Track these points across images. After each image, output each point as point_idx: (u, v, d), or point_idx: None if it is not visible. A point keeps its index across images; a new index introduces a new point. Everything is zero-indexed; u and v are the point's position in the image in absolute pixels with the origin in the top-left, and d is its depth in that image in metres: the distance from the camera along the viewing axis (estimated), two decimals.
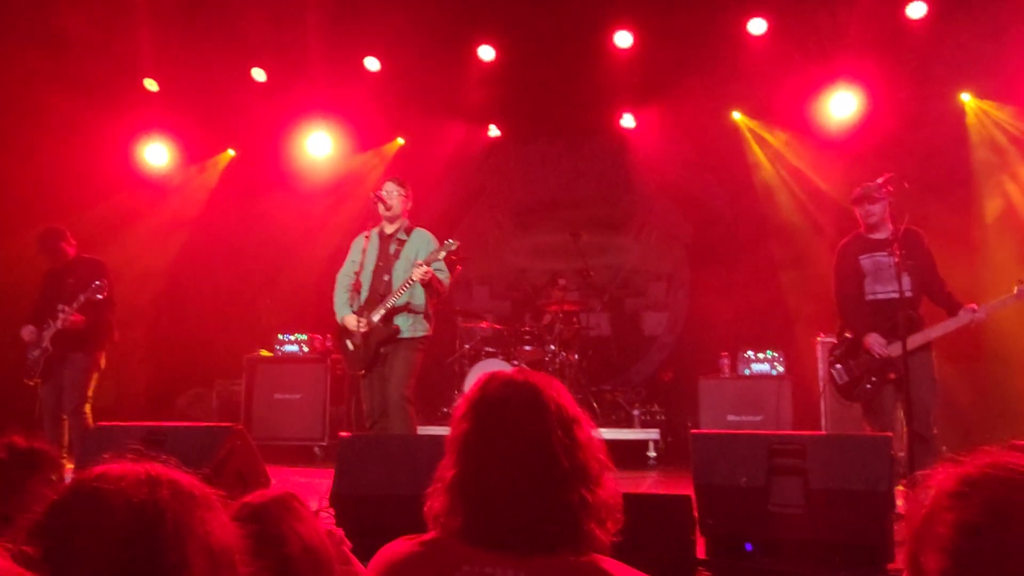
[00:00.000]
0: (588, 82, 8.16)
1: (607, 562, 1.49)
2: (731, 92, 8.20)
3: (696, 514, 3.55)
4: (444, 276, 5.41)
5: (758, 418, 7.20)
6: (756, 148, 8.54)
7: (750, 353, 7.51)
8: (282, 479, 5.83)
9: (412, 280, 5.23)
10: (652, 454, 7.40)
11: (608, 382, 8.80)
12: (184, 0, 7.37)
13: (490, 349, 8.22)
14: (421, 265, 5.19)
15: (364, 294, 5.40)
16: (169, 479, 1.06)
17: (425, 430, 6.04)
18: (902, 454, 4.60)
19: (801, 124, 8.04)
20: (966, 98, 7.64)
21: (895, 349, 4.80)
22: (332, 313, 5.62)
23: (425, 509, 1.61)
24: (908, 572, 1.10)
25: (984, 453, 1.06)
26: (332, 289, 5.67)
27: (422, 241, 5.48)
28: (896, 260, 4.67)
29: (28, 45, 7.18)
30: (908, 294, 4.77)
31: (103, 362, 6.23)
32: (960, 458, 1.07)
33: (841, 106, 7.67)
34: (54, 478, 2.13)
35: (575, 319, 8.31)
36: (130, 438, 3.60)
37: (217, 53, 7.80)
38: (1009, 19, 6.79)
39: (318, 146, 8.95)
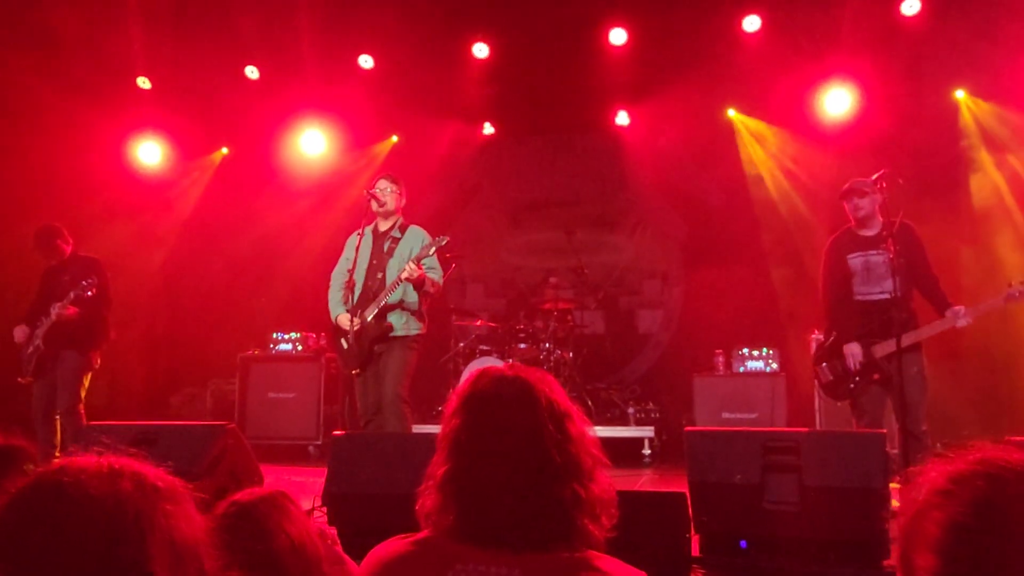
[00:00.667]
0: (582, 80, 8.16)
1: (601, 558, 1.47)
2: (726, 89, 8.21)
3: (691, 511, 3.54)
4: (437, 275, 5.33)
5: (752, 415, 7.21)
6: (751, 145, 8.54)
7: (744, 350, 7.54)
8: (276, 478, 5.83)
9: (401, 278, 5.17)
10: (647, 452, 7.40)
11: (603, 380, 8.79)
12: None
13: (485, 347, 8.20)
14: (411, 263, 5.14)
15: (358, 292, 5.36)
16: (132, 471, 1.05)
17: (420, 429, 6.02)
18: (895, 451, 4.61)
19: (795, 121, 8.04)
20: (960, 95, 7.65)
21: (884, 348, 4.80)
22: (326, 311, 5.58)
23: (417, 507, 1.59)
24: (900, 570, 1.09)
25: (974, 449, 1.06)
26: (326, 287, 5.62)
27: (416, 239, 5.40)
28: (891, 257, 4.65)
29: (20, 44, 7.16)
30: (899, 294, 4.73)
31: (98, 361, 6.18)
32: (951, 455, 1.07)
33: (835, 103, 7.67)
34: (28, 468, 2.11)
35: (570, 317, 8.30)
36: (123, 437, 3.59)
37: (210, 51, 7.78)
38: (1002, 17, 6.81)
39: (311, 144, 8.92)
